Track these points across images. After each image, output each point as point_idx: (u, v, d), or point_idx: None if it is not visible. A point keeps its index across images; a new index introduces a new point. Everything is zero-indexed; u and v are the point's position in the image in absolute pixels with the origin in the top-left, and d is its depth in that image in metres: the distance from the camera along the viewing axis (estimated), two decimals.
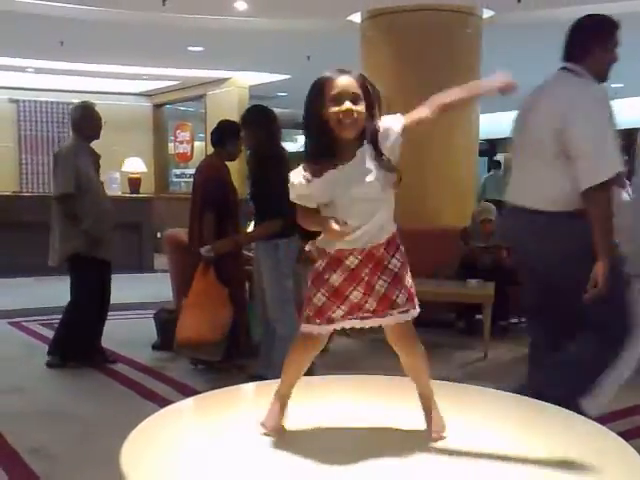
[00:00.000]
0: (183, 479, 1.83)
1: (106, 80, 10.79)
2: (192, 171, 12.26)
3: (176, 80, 11.21)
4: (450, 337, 5.38)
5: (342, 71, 1.90)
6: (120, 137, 10.95)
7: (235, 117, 10.58)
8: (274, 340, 3.90)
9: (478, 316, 5.16)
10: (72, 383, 4.14)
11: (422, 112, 2.00)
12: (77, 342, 4.39)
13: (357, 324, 2.03)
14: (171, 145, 12.89)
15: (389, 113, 1.97)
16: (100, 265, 4.31)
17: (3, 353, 4.89)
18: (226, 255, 3.98)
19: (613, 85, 10.80)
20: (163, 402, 3.45)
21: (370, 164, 1.91)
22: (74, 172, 4.20)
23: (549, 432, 2.18)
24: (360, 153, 1.90)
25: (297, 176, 1.92)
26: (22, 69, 10.04)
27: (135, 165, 11.24)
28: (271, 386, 2.40)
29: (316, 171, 1.89)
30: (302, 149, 2.00)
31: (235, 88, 10.96)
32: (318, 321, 1.97)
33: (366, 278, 1.96)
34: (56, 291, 7.02)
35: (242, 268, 4.26)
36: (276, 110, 4.26)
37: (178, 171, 13.27)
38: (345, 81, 1.88)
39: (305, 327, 2.00)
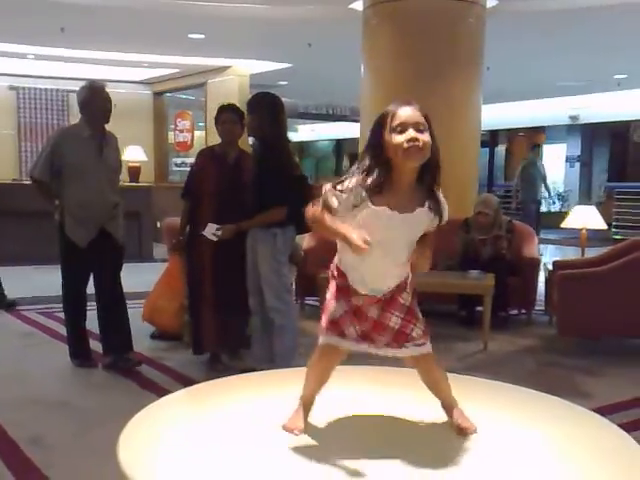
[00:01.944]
0: (180, 467, 1.82)
1: (106, 67, 10.74)
2: (192, 160, 12.26)
3: (176, 68, 11.16)
4: (450, 328, 5.36)
5: (405, 102, 1.91)
6: (120, 125, 10.79)
7: (235, 104, 10.58)
8: (269, 331, 3.87)
9: (478, 308, 5.15)
10: (70, 373, 4.12)
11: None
12: (72, 338, 4.25)
13: (371, 349, 2.07)
14: (171, 134, 12.85)
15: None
16: (86, 254, 4.05)
17: (0, 342, 4.87)
18: (231, 240, 3.95)
19: (616, 76, 10.75)
20: (161, 392, 3.45)
21: (422, 219, 1.94)
22: (53, 159, 3.94)
23: (549, 422, 2.18)
24: (419, 211, 1.92)
25: (347, 189, 1.89)
26: (22, 56, 9.99)
27: (135, 154, 11.19)
28: (269, 375, 2.40)
29: (374, 198, 1.87)
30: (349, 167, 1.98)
31: (236, 76, 10.91)
32: (332, 332, 2.03)
33: (374, 317, 2.01)
34: (56, 280, 7.01)
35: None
36: None
37: (178, 160, 13.24)
38: (408, 111, 1.88)
39: (322, 337, 2.07)
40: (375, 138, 1.89)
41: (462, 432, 2.10)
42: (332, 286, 2.06)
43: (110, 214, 4.09)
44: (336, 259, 2.07)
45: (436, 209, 1.95)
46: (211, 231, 3.90)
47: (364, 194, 1.87)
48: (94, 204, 4.01)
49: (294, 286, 5.04)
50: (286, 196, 3.65)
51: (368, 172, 1.88)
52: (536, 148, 11.37)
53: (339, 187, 1.91)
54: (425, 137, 1.86)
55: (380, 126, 1.89)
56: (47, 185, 4.04)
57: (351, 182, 1.89)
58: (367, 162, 1.90)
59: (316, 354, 2.10)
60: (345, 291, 2.01)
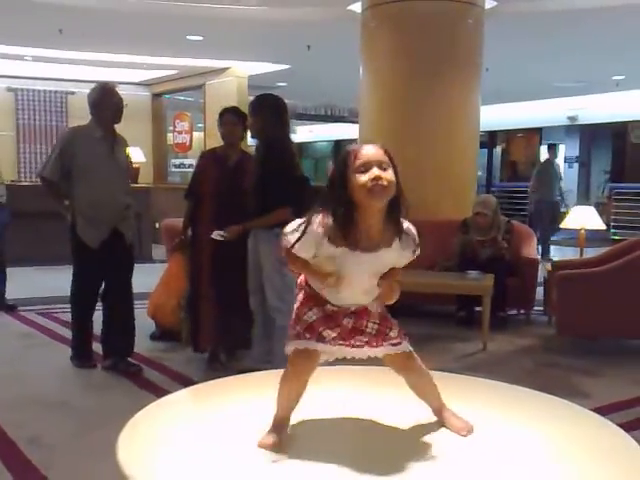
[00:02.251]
0: (180, 469, 1.82)
1: (105, 69, 10.74)
2: (191, 161, 12.30)
3: (175, 69, 11.17)
4: (449, 329, 5.37)
5: (366, 143, 1.88)
6: (118, 126, 10.84)
7: (237, 106, 10.58)
8: (269, 332, 3.88)
9: (477, 308, 5.16)
10: (69, 373, 4.12)
11: None
12: (76, 340, 4.23)
13: (349, 353, 2.01)
14: (170, 135, 12.85)
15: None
16: (98, 255, 4.05)
17: (0, 342, 4.88)
18: (234, 241, 3.97)
19: (615, 77, 10.77)
20: (160, 392, 3.45)
21: (388, 258, 1.91)
22: (63, 160, 3.94)
23: (548, 421, 2.18)
24: (385, 251, 1.89)
25: (308, 233, 1.88)
26: (20, 57, 9.99)
27: (133, 155, 11.15)
28: (269, 376, 2.39)
29: (336, 239, 1.85)
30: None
31: (234, 78, 10.92)
32: (308, 335, 1.94)
33: (349, 326, 1.98)
34: (55, 281, 7.02)
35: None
36: None
37: (177, 161, 13.23)
38: (371, 150, 1.85)
39: (296, 343, 1.97)
40: (338, 178, 1.86)
41: (458, 433, 2.08)
42: (301, 295, 2.02)
43: (121, 215, 4.08)
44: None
45: (406, 245, 1.92)
46: (218, 233, 3.93)
47: (324, 238, 1.85)
48: (106, 205, 4.00)
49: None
50: (289, 197, 3.66)
51: (332, 212, 1.85)
52: (553, 147, 10.75)
53: (297, 233, 1.91)
54: (389, 175, 1.82)
55: (343, 166, 1.85)
56: (57, 185, 4.03)
57: (311, 226, 1.88)
58: (330, 202, 1.86)
59: (291, 364, 1.99)
60: (316, 299, 1.98)
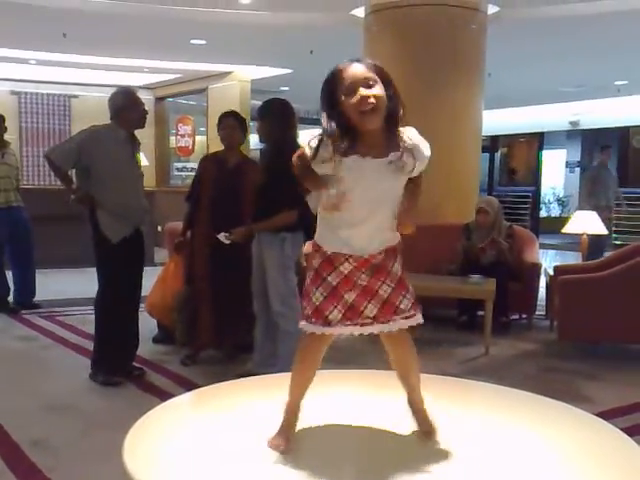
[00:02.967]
0: (185, 472, 1.83)
1: (108, 73, 10.76)
2: (193, 165, 12.31)
3: (178, 73, 11.18)
4: (451, 333, 5.37)
5: (351, 60, 1.87)
6: None
7: (237, 111, 10.61)
8: (272, 336, 3.89)
9: (480, 312, 5.16)
10: (72, 376, 4.13)
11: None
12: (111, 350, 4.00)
13: (357, 330, 1.96)
14: (172, 139, 12.87)
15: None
16: (120, 252, 3.90)
17: (2, 345, 4.88)
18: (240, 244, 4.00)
19: (617, 82, 10.78)
20: (163, 395, 3.46)
21: (398, 164, 1.86)
22: (81, 155, 3.83)
23: (550, 426, 2.18)
24: (394, 155, 1.85)
25: (320, 143, 1.84)
26: (24, 61, 10.01)
27: None
28: (272, 380, 2.40)
29: (341, 149, 1.81)
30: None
31: (237, 82, 10.93)
32: (314, 320, 1.93)
33: (363, 284, 1.91)
34: (57, 284, 7.04)
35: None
36: None
37: (179, 165, 13.24)
38: (356, 68, 1.83)
39: (304, 326, 1.95)
40: (328, 101, 1.84)
41: (425, 436, 2.03)
42: (311, 270, 1.96)
43: (142, 218, 4.08)
44: (315, 237, 1.99)
45: (409, 150, 1.87)
46: (224, 235, 3.97)
47: (331, 149, 1.82)
48: (131, 207, 3.98)
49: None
50: (295, 201, 3.66)
51: (335, 136, 1.83)
52: (606, 149, 9.74)
53: (311, 143, 1.88)
54: (376, 91, 1.80)
55: (333, 88, 1.83)
56: (65, 172, 3.94)
57: (320, 141, 1.86)
58: (330, 128, 1.84)
59: (300, 347, 1.99)
60: (328, 264, 1.91)
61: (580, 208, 9.69)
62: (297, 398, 2.02)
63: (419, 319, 1.97)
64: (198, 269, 4.28)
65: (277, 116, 3.86)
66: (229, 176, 4.24)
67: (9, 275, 6.04)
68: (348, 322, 1.93)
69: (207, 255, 4.22)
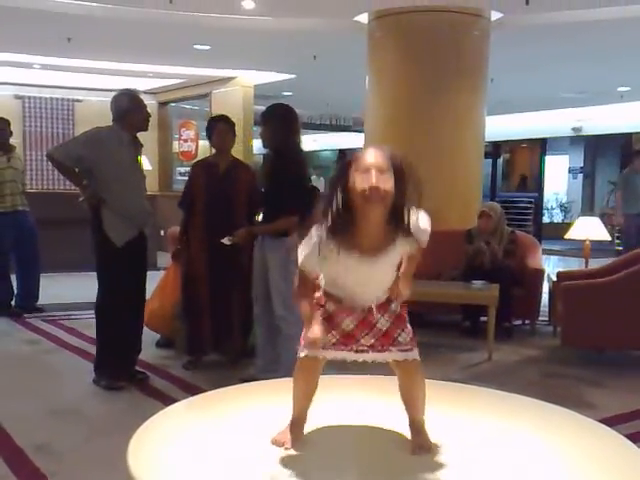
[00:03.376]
0: (189, 477, 1.83)
1: (111, 77, 10.79)
2: None
3: (181, 78, 11.21)
4: (454, 339, 5.37)
5: (371, 146, 1.90)
6: None
7: (240, 116, 10.64)
8: (274, 341, 3.90)
9: (483, 318, 5.16)
10: (75, 381, 4.13)
11: None
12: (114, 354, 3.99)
13: (351, 356, 2.00)
14: (175, 143, 12.90)
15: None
16: (124, 256, 3.88)
17: (5, 349, 4.89)
18: (243, 246, 4.06)
19: (620, 89, 10.79)
20: (167, 400, 3.47)
21: (394, 256, 1.91)
22: (82, 154, 3.81)
23: (554, 432, 2.18)
24: (390, 249, 1.88)
25: (310, 244, 1.88)
26: (28, 65, 10.05)
27: None
28: (274, 384, 2.40)
29: (336, 244, 1.85)
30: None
31: (240, 87, 10.96)
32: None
33: (362, 315, 1.97)
34: (59, 288, 7.05)
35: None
36: None
37: (182, 169, 13.28)
38: (371, 155, 1.84)
39: (300, 349, 2.02)
40: (339, 181, 1.86)
41: (414, 451, 2.02)
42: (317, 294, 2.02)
43: (146, 220, 4.09)
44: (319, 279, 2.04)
45: (408, 234, 1.90)
46: (228, 238, 4.01)
47: (331, 245, 1.85)
48: (135, 209, 3.97)
49: None
50: (297, 205, 3.71)
51: (332, 216, 1.85)
52: (638, 155, 9.23)
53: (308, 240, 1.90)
54: (383, 182, 1.80)
55: (346, 169, 1.86)
56: (70, 168, 3.91)
57: (318, 233, 1.88)
58: (330, 204, 1.86)
59: (297, 367, 2.06)
60: (327, 295, 1.99)
61: (614, 217, 9.06)
62: (301, 411, 2.09)
63: (415, 355, 2.01)
64: (196, 273, 4.31)
65: (280, 121, 3.88)
66: (221, 180, 4.30)
67: (13, 279, 6.06)
68: (342, 347, 1.98)
69: (204, 259, 4.27)
